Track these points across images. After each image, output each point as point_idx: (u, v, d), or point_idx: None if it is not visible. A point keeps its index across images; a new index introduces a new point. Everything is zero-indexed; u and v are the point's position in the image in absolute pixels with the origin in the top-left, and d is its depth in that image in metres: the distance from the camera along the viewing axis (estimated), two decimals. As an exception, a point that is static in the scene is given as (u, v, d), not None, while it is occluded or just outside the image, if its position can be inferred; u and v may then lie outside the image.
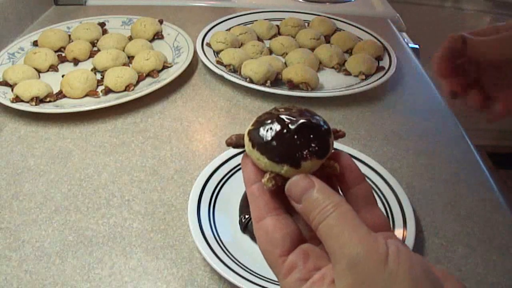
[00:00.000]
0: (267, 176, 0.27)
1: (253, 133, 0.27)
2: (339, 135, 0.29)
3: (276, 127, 0.26)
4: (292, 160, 0.26)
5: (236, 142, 0.29)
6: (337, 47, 0.85)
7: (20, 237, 0.51)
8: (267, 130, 0.27)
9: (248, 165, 0.28)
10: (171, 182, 0.59)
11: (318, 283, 0.24)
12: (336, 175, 0.28)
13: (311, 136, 0.26)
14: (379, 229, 0.26)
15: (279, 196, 0.28)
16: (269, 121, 0.27)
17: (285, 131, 0.26)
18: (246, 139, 0.28)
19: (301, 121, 0.27)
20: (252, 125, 0.28)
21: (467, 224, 0.55)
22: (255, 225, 0.27)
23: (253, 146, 0.27)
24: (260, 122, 0.27)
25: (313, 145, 0.26)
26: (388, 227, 0.28)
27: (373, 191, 0.55)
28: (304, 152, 0.26)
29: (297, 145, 0.26)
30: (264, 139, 0.26)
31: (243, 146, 0.28)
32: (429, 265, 0.24)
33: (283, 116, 0.27)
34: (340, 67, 0.83)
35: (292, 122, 0.26)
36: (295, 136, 0.26)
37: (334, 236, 0.24)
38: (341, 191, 0.29)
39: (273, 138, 0.26)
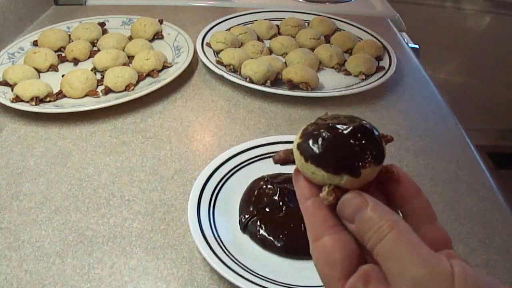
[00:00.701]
0: (326, 189, 0.25)
1: (304, 146, 0.25)
2: (387, 139, 0.27)
3: (328, 136, 0.25)
4: (352, 168, 0.24)
5: (284, 158, 0.27)
6: (337, 47, 0.85)
7: (20, 237, 0.51)
8: (319, 141, 0.25)
9: (300, 181, 0.27)
10: (171, 182, 0.59)
11: None
12: (394, 180, 0.27)
13: (367, 141, 0.25)
14: (439, 246, 0.24)
15: (336, 211, 0.26)
16: (318, 131, 0.25)
17: (339, 139, 0.25)
18: (297, 153, 0.26)
19: (353, 126, 0.25)
20: (300, 137, 0.26)
21: (467, 224, 0.55)
22: (312, 244, 0.26)
23: (306, 160, 0.25)
24: (308, 134, 0.25)
25: (370, 150, 0.25)
26: (449, 244, 0.26)
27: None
28: (363, 159, 0.24)
29: (355, 152, 0.24)
30: (318, 150, 0.25)
31: (292, 162, 0.27)
32: (498, 283, 0.22)
33: (332, 124, 0.25)
34: (340, 67, 0.83)
35: (344, 129, 0.25)
36: (351, 143, 0.24)
37: (393, 258, 0.22)
38: (397, 207, 0.27)
39: (327, 148, 0.24)
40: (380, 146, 0.25)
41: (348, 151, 0.24)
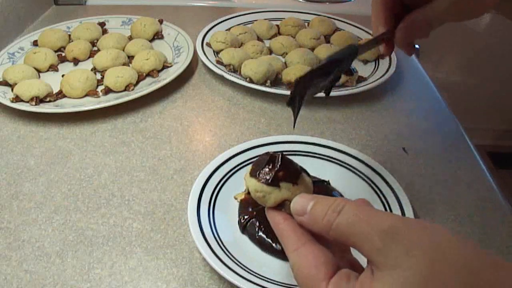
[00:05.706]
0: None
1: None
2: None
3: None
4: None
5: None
6: (337, 47, 0.85)
7: (20, 237, 0.51)
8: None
9: (271, 212, 0.34)
10: (171, 182, 0.59)
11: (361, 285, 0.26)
12: None
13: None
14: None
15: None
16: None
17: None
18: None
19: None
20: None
21: (467, 224, 0.55)
22: (294, 253, 0.29)
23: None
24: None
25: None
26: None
27: (373, 191, 0.55)
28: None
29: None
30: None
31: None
32: None
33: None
34: (340, 67, 0.83)
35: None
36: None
37: (362, 219, 0.26)
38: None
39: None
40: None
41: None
